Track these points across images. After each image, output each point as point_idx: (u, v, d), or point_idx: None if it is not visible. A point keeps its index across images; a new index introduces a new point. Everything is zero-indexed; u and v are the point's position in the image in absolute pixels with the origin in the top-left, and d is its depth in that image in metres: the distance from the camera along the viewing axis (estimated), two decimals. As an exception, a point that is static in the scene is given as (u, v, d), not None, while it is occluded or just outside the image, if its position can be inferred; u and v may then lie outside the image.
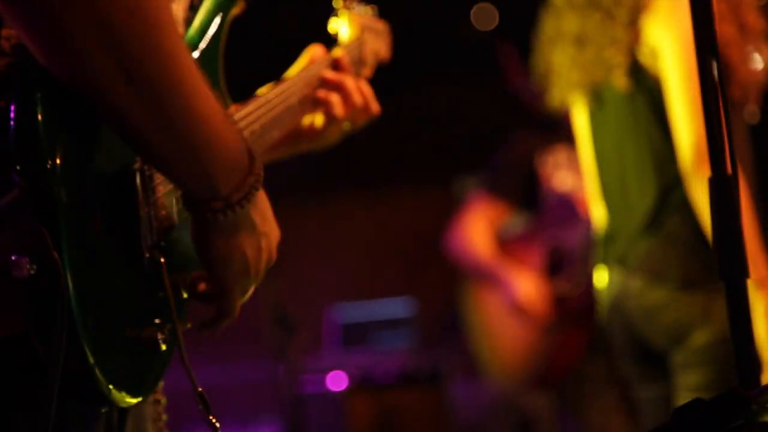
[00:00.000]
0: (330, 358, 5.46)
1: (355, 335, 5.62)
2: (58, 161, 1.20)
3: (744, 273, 1.71)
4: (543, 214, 3.81)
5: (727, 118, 1.74)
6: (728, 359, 2.39)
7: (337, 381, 5.08)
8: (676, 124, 2.43)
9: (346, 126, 1.79)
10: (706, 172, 2.34)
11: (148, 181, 1.33)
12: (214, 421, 1.40)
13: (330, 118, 1.75)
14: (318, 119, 1.77)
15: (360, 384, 5.14)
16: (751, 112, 2.52)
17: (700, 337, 2.44)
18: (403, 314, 5.72)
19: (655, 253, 2.52)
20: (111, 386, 1.25)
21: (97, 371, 1.23)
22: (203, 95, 1.26)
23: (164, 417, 1.50)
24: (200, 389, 1.38)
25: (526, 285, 3.72)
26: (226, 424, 5.63)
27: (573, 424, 3.75)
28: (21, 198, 1.20)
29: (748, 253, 2.29)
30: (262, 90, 1.65)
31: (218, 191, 1.30)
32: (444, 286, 6.17)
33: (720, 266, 1.73)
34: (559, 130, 3.79)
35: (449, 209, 4.17)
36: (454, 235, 3.99)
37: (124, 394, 1.28)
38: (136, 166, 1.32)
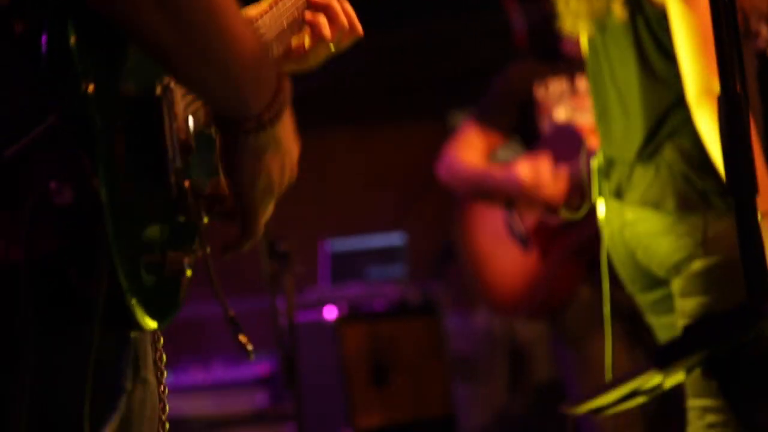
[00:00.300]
0: (324, 290, 5.47)
1: (349, 268, 5.63)
2: (91, 86, 1.21)
3: (754, 189, 1.70)
4: (540, 144, 3.76)
5: (737, 39, 1.73)
6: (725, 284, 2.41)
7: (331, 313, 5.10)
8: (680, 53, 2.42)
9: (331, 48, 1.82)
10: (711, 102, 2.36)
11: (171, 106, 1.35)
12: (245, 343, 1.42)
13: (317, 39, 1.77)
14: (305, 41, 1.80)
15: (355, 315, 5.15)
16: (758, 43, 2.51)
17: (696, 264, 2.44)
18: (396, 247, 5.73)
19: (650, 181, 2.52)
20: (140, 311, 1.27)
21: (128, 295, 1.25)
22: (235, 20, 1.28)
23: (161, 339, 1.51)
24: (232, 314, 1.41)
25: (523, 169, 3.62)
26: (219, 355, 5.65)
27: (569, 356, 3.74)
28: (57, 124, 1.21)
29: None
30: (249, 12, 1.67)
31: (250, 111, 1.33)
32: (437, 219, 6.18)
33: (729, 183, 1.73)
34: (558, 62, 3.74)
35: (442, 142, 4.14)
36: (445, 161, 3.93)
37: (150, 318, 1.30)
38: (159, 90, 1.33)
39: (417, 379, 5.16)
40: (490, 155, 3.90)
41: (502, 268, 3.86)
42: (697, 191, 2.45)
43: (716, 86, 2.33)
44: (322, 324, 5.08)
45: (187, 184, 1.36)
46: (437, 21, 5.97)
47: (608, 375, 2.63)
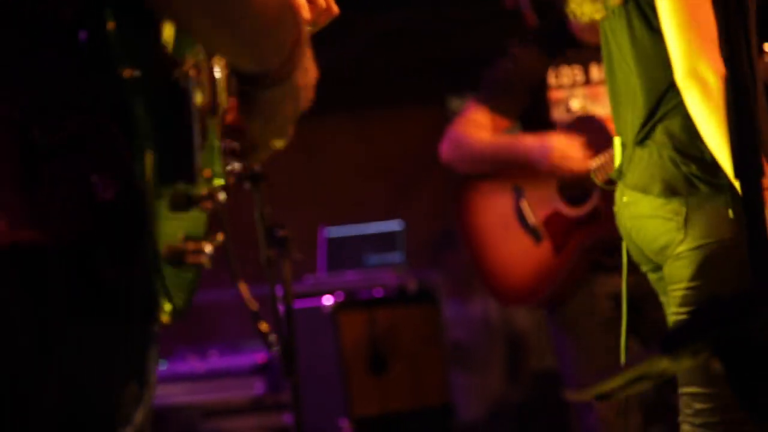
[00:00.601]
0: (322, 277, 5.46)
1: (347, 255, 5.62)
2: (129, 71, 1.21)
3: (760, 171, 1.69)
4: (560, 132, 3.64)
5: (743, 15, 1.72)
6: (709, 269, 2.41)
7: (330, 301, 5.09)
8: (665, 33, 2.42)
9: (309, 28, 1.83)
10: (696, 83, 2.35)
11: (193, 95, 1.35)
12: (266, 333, 1.42)
13: None
14: None
15: (352, 302, 5.14)
16: None
17: (679, 248, 2.45)
18: (394, 234, 5.71)
19: (643, 165, 2.53)
20: (166, 302, 1.28)
21: (158, 290, 1.26)
22: None
23: None
24: (255, 309, 1.42)
25: (558, 140, 3.52)
26: (216, 343, 5.63)
27: (569, 343, 3.71)
28: (99, 114, 1.20)
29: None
30: None
31: (268, 68, 1.36)
32: (435, 206, 6.17)
33: (735, 165, 1.71)
34: (572, 49, 3.63)
35: (441, 129, 4.10)
36: (450, 138, 3.78)
37: (170, 312, 1.29)
38: (187, 75, 1.33)
39: (415, 367, 5.15)
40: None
41: (509, 257, 3.77)
42: (682, 175, 2.45)
43: (701, 67, 2.34)
44: (320, 311, 5.07)
45: (208, 173, 1.37)
46: (435, 5, 5.94)
47: (622, 358, 2.62)
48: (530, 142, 3.60)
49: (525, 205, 3.68)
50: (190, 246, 1.32)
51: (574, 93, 3.64)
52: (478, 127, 3.72)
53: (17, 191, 1.18)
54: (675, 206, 2.46)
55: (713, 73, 2.32)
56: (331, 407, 4.99)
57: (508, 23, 4.12)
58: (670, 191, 2.47)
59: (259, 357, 5.38)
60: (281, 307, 3.75)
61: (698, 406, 2.41)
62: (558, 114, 3.66)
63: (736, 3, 1.71)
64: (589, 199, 3.55)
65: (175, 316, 1.31)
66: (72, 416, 1.22)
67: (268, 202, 3.65)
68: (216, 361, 5.48)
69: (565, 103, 3.65)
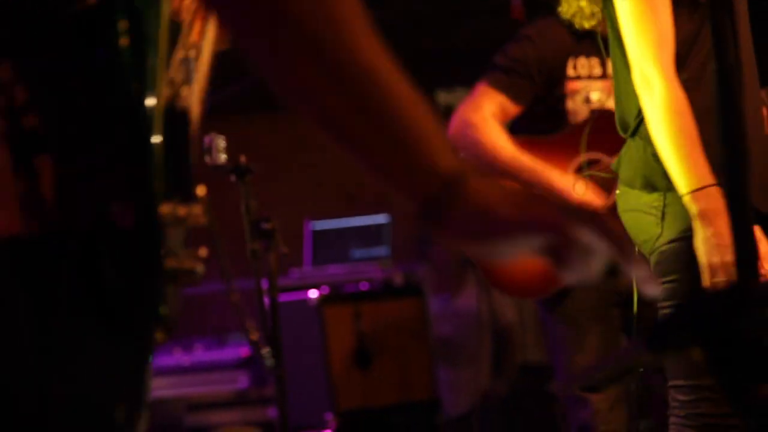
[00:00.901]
0: (309, 271, 5.45)
1: (333, 248, 5.61)
2: (139, 84, 1.20)
3: (746, 165, 1.68)
4: (580, 127, 3.57)
5: (731, 8, 1.71)
6: (686, 260, 2.42)
7: (315, 294, 5.08)
8: (624, 40, 2.46)
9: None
10: (646, 90, 2.37)
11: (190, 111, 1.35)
12: (258, 343, 1.42)
13: None
14: None
15: (338, 296, 5.14)
16: None
17: (657, 242, 2.47)
18: (380, 227, 5.71)
19: (629, 159, 2.57)
20: (164, 319, 1.26)
21: (163, 305, 1.24)
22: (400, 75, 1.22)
23: None
24: (251, 324, 1.41)
25: (584, 186, 3.46)
26: (201, 337, 5.60)
27: (568, 335, 3.69)
28: (103, 116, 1.18)
29: (689, 159, 2.33)
30: None
31: (438, 172, 1.20)
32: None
33: (723, 159, 1.70)
34: (590, 41, 3.55)
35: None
36: (459, 127, 3.67)
37: (165, 326, 1.29)
38: (180, 98, 1.32)
39: (401, 361, 5.14)
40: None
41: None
42: (661, 170, 2.48)
43: (650, 71, 2.38)
44: (306, 305, 5.06)
45: (202, 191, 1.36)
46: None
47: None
48: (556, 180, 3.50)
49: None
50: (186, 262, 1.32)
51: (592, 85, 3.58)
52: (487, 114, 3.58)
53: (15, 183, 1.17)
54: (654, 200, 2.49)
55: (661, 78, 2.36)
56: (316, 401, 4.99)
57: (499, 16, 4.11)
58: (649, 186, 2.49)
59: (244, 351, 5.37)
60: (267, 301, 3.74)
61: (682, 398, 2.43)
62: (574, 104, 3.57)
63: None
64: (610, 193, 3.52)
65: (167, 329, 1.31)
66: (73, 420, 1.20)
67: (253, 195, 3.65)
68: (201, 354, 5.47)
69: (583, 93, 3.58)
